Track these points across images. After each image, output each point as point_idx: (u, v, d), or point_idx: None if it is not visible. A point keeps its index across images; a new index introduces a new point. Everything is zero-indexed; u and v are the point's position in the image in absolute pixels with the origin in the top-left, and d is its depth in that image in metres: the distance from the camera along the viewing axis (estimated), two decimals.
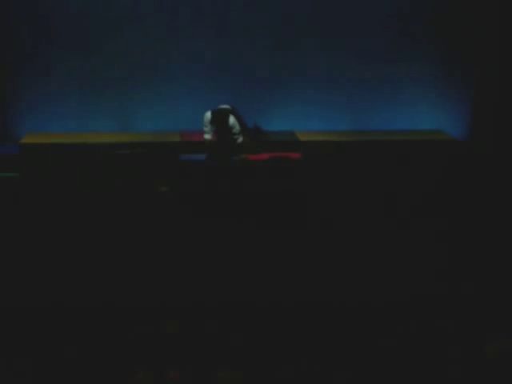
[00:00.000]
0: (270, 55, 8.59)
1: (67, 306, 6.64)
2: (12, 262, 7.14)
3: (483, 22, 8.62)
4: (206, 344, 6.20)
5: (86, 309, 6.59)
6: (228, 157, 7.79)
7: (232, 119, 7.77)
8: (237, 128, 7.79)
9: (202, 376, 5.88)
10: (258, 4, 8.53)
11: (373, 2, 8.58)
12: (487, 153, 8.43)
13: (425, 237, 7.62)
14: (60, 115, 8.52)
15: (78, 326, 6.39)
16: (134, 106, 8.57)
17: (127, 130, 8.56)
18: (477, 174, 8.20)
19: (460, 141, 8.51)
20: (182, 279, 7.02)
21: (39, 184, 7.83)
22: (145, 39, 8.47)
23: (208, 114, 7.81)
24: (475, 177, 8.18)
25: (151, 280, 7.00)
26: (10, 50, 8.40)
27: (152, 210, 7.71)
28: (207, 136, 7.86)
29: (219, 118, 7.75)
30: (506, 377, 5.83)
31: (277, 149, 8.12)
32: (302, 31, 8.57)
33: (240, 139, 7.84)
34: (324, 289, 6.95)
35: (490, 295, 6.87)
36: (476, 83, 8.72)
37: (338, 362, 6.04)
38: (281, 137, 8.32)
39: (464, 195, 8.04)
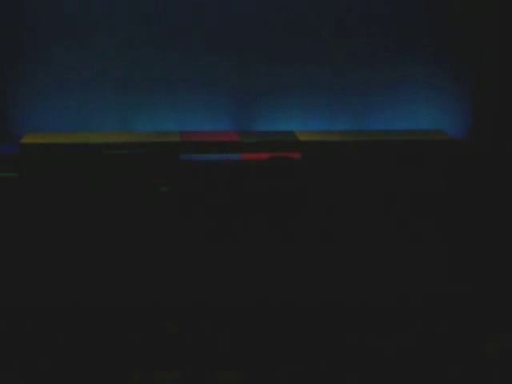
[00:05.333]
0: (271, 55, 8.58)
1: (67, 306, 6.64)
2: (12, 262, 7.14)
3: (483, 21, 8.61)
4: (206, 344, 6.20)
5: (86, 309, 6.60)
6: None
7: None
8: None
9: (202, 376, 5.88)
10: (257, 4, 8.52)
11: (372, 2, 8.57)
12: (488, 152, 8.42)
13: (425, 237, 7.63)
14: (60, 115, 8.51)
15: (77, 326, 6.39)
16: (133, 106, 8.56)
17: (127, 130, 8.55)
18: (477, 174, 8.19)
19: (460, 141, 8.50)
20: (182, 279, 7.02)
21: (39, 184, 7.82)
22: (145, 39, 8.46)
23: None
24: (476, 177, 8.17)
25: (151, 280, 7.00)
26: (10, 50, 8.39)
27: (152, 210, 7.71)
28: None
29: None
30: (506, 377, 5.84)
31: (277, 149, 8.12)
32: (302, 31, 8.57)
33: None
34: (324, 289, 6.95)
35: (489, 295, 6.87)
36: (476, 83, 8.71)
37: (338, 362, 6.04)
38: (281, 137, 8.32)
39: (464, 195, 8.04)
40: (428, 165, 8.11)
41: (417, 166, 8.09)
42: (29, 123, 8.52)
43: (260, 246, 7.38)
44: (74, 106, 8.55)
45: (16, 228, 7.48)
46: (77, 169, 7.88)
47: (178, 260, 7.20)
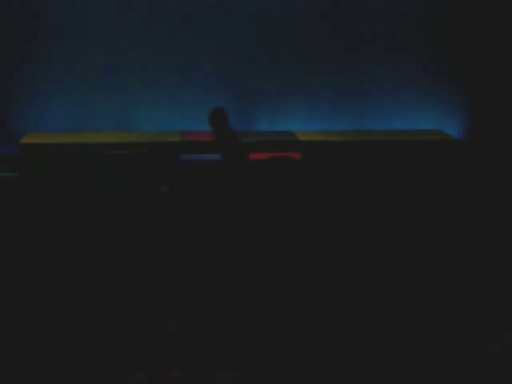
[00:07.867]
0: (270, 55, 8.60)
1: (67, 305, 6.65)
2: (12, 262, 7.14)
3: (483, 21, 8.62)
4: (206, 344, 6.20)
5: (86, 309, 6.60)
6: (246, 156, 7.58)
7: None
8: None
9: (202, 376, 5.88)
10: (257, 5, 8.54)
11: (372, 3, 8.58)
12: (487, 152, 8.43)
13: (425, 237, 7.63)
14: (60, 115, 8.52)
15: (77, 326, 6.39)
16: (133, 105, 8.57)
17: (127, 130, 8.56)
18: (477, 174, 8.20)
19: (460, 141, 8.51)
20: (182, 279, 7.02)
21: (39, 184, 7.83)
22: (145, 39, 8.48)
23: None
24: (475, 177, 8.18)
25: (151, 280, 7.01)
26: (9, 49, 8.40)
27: (152, 210, 7.72)
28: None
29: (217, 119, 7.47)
30: (506, 377, 5.83)
31: (277, 149, 8.12)
32: (302, 31, 8.58)
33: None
34: (324, 288, 6.95)
35: (490, 295, 6.87)
36: (476, 83, 8.72)
37: (338, 362, 6.04)
38: (281, 137, 8.33)
39: (464, 195, 8.04)
40: (428, 165, 8.11)
41: (417, 165, 8.09)
42: (29, 123, 8.53)
43: (261, 245, 7.38)
44: (74, 106, 8.56)
45: (16, 227, 7.48)
46: (77, 169, 7.88)
47: (177, 260, 7.20)
